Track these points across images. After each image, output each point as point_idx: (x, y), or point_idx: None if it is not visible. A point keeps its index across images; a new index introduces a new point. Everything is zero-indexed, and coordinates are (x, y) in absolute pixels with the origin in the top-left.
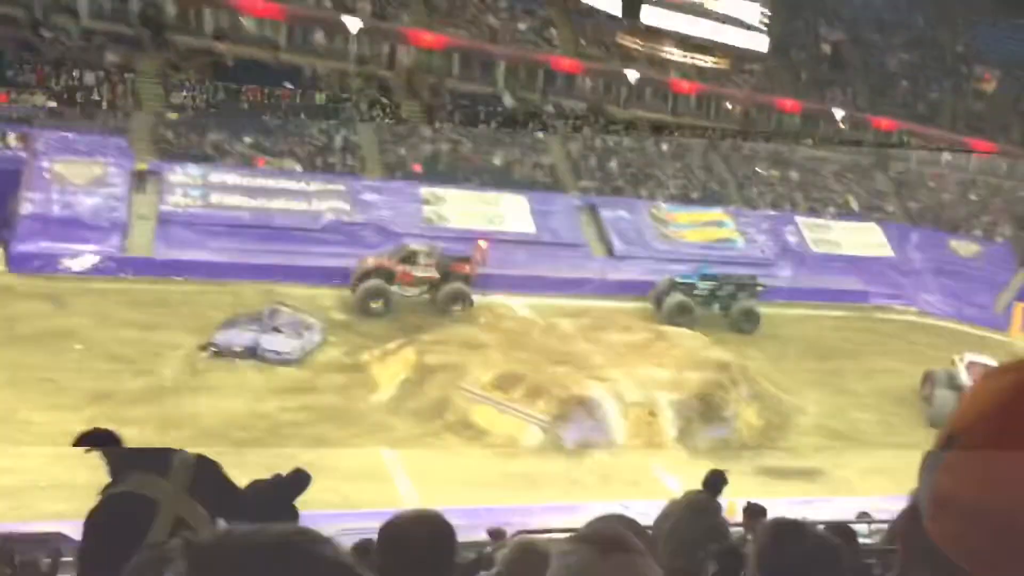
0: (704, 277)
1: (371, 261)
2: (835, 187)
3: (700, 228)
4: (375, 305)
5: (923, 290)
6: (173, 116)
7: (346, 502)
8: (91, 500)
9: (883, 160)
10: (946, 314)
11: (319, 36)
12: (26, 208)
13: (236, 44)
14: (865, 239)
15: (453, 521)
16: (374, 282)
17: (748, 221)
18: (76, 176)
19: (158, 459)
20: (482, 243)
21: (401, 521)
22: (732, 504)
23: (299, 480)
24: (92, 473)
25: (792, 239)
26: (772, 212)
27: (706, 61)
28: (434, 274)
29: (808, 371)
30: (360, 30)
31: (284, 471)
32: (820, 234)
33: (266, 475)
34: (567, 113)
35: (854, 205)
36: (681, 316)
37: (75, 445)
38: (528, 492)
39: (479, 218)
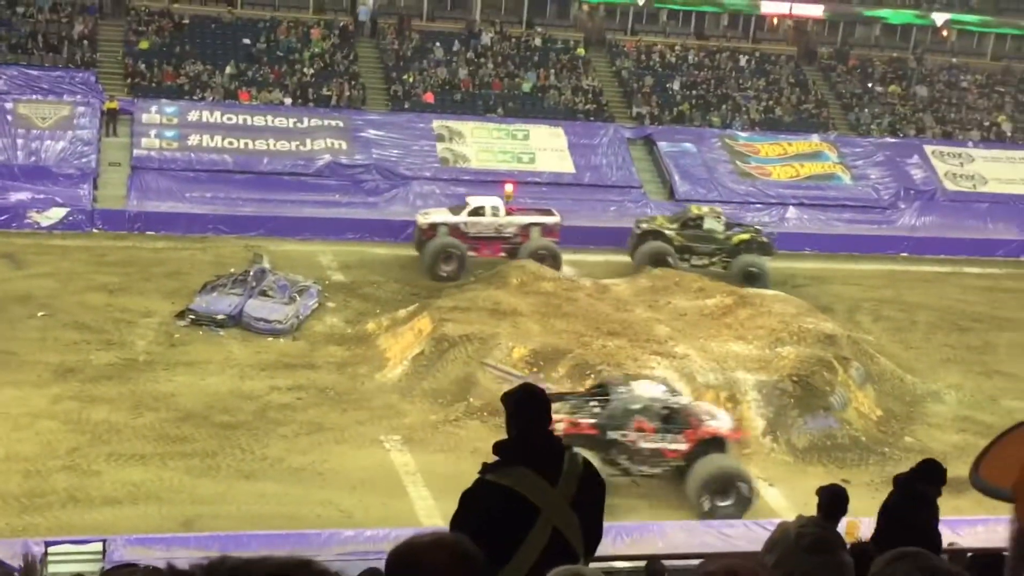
0: None
1: None
2: (979, 105)
3: (791, 162)
4: None
5: None
6: (144, 46)
7: (348, 518)
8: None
9: None
10: None
11: None
12: None
13: (191, 3)
14: (1021, 172)
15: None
16: None
17: (857, 152)
18: (41, 118)
19: (551, 458)
20: (508, 187)
21: (418, 546)
22: (853, 524)
23: None
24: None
25: (918, 174)
26: (891, 139)
27: None
28: None
29: (943, 345)
30: None
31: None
32: (957, 167)
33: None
34: (563, 45)
35: (1006, 128)
36: None
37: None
38: None
39: (505, 156)
